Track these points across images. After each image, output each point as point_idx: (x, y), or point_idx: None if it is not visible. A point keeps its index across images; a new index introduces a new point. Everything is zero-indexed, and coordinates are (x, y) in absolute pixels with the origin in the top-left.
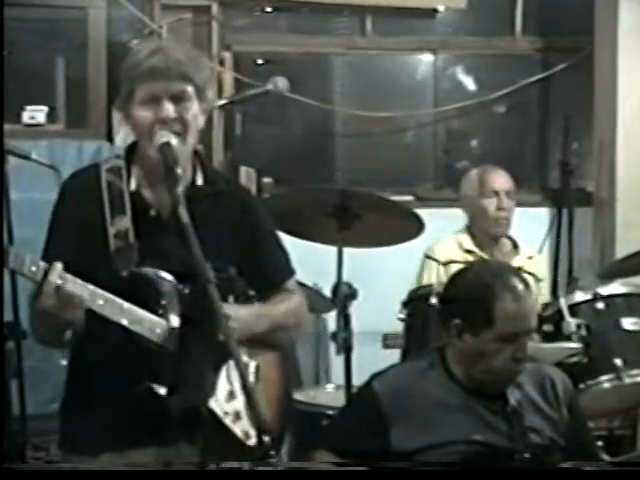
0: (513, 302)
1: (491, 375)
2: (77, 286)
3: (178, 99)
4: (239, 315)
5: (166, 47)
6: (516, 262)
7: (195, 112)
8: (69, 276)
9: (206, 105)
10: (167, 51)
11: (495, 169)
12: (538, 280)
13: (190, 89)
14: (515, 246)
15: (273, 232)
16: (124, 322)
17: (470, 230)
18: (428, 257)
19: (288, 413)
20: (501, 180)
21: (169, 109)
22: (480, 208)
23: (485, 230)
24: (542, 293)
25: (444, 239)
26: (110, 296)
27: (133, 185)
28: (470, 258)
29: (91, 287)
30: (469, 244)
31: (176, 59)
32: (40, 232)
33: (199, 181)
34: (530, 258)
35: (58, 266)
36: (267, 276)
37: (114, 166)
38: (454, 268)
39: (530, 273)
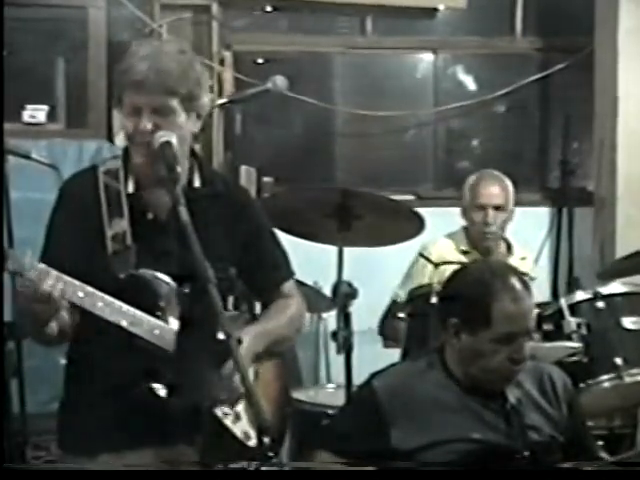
0: (512, 303)
1: (488, 375)
2: (67, 284)
3: (159, 112)
4: (246, 342)
5: (156, 54)
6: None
7: (180, 123)
8: (55, 273)
9: (198, 111)
10: (155, 60)
11: (489, 179)
12: (531, 279)
13: (173, 102)
14: (509, 247)
15: (272, 233)
16: (124, 324)
17: (466, 231)
18: (422, 256)
19: (288, 414)
20: (491, 193)
21: (147, 123)
22: (469, 219)
23: (475, 240)
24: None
25: (438, 239)
26: (109, 298)
27: (130, 187)
28: (464, 259)
29: (90, 289)
30: (465, 245)
31: (161, 70)
32: (40, 232)
33: (196, 182)
34: (523, 259)
35: (39, 265)
36: (266, 277)
37: (111, 168)
38: (447, 269)
39: (523, 273)
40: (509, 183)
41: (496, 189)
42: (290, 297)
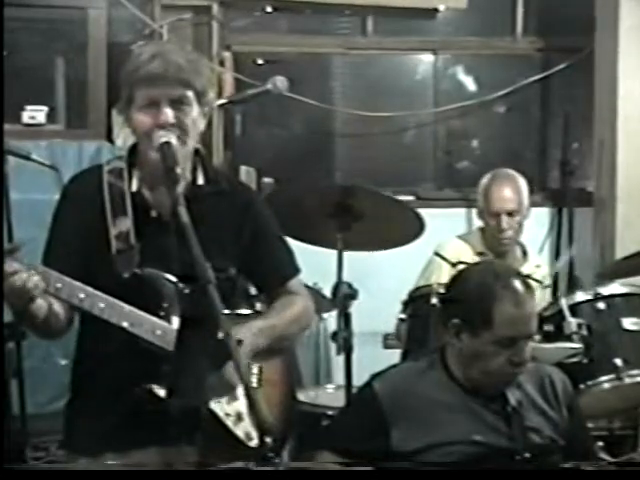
0: (513, 306)
1: (488, 377)
2: (67, 286)
3: (177, 104)
4: (246, 338)
5: (166, 51)
6: (524, 269)
7: (195, 116)
8: (41, 267)
9: (206, 109)
10: (167, 56)
11: (501, 181)
12: (545, 287)
13: (190, 94)
14: (524, 253)
15: (276, 230)
16: (124, 324)
17: (483, 232)
18: (438, 256)
19: (291, 414)
20: (503, 198)
21: (168, 114)
22: (485, 222)
23: (491, 244)
24: (546, 299)
25: (454, 239)
26: (111, 299)
27: (134, 186)
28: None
29: (91, 290)
30: (481, 246)
31: (176, 64)
32: (40, 232)
33: (200, 181)
34: (538, 267)
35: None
36: (271, 275)
37: (115, 167)
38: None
39: (537, 280)
40: (522, 183)
41: (508, 193)
42: (296, 294)
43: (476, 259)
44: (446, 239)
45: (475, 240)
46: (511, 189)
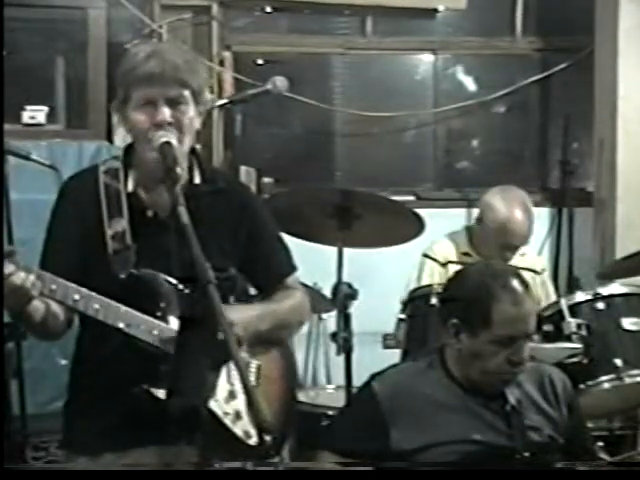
0: (512, 305)
1: (487, 376)
2: (61, 287)
3: (174, 103)
4: (241, 317)
5: (162, 51)
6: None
7: (191, 115)
8: (40, 272)
9: (202, 108)
10: (163, 55)
11: (518, 215)
12: (538, 273)
13: (186, 93)
14: None
15: (274, 228)
16: (121, 325)
17: (469, 232)
18: (428, 257)
19: (291, 412)
20: (518, 236)
21: (165, 113)
22: (482, 235)
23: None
24: (546, 284)
25: (441, 240)
26: (106, 300)
27: (130, 186)
28: (468, 260)
29: (86, 291)
30: (466, 246)
31: (172, 63)
32: (40, 232)
33: (197, 180)
34: (522, 255)
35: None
36: (269, 272)
37: (111, 168)
38: (452, 269)
39: (526, 269)
40: (533, 214)
41: (523, 230)
42: (293, 289)
43: (463, 258)
44: (433, 240)
45: (461, 240)
46: (527, 226)
